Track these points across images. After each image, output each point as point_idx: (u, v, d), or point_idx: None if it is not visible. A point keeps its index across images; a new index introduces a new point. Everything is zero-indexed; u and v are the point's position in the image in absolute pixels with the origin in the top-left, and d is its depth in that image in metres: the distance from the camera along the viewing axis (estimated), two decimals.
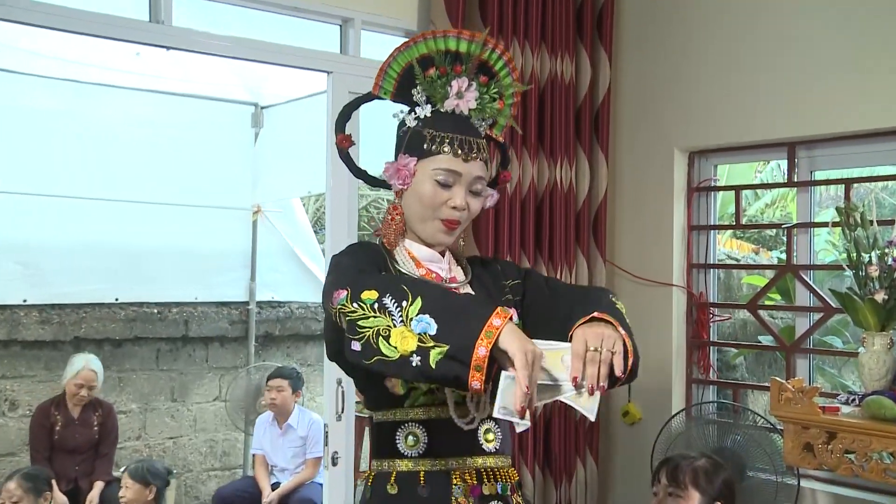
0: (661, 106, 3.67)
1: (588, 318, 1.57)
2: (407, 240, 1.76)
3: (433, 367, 1.38)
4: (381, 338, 1.42)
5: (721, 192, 3.80)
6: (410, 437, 1.65)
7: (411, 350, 1.39)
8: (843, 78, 3.11)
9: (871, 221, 2.79)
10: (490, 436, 1.70)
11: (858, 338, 2.87)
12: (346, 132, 1.81)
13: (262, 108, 5.58)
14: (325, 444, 3.12)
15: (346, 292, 1.48)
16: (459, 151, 1.69)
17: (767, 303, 5.76)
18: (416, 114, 1.73)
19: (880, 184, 7.00)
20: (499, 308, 1.43)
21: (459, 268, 1.80)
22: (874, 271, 2.70)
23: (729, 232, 7.78)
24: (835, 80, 3.13)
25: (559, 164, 3.51)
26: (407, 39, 1.75)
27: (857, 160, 3.28)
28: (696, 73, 3.56)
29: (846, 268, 2.82)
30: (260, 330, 5.86)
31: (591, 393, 1.49)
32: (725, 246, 7.78)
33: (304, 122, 5.19)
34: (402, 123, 1.76)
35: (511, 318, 1.43)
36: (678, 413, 3.43)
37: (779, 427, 3.03)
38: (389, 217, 1.74)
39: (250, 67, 4.51)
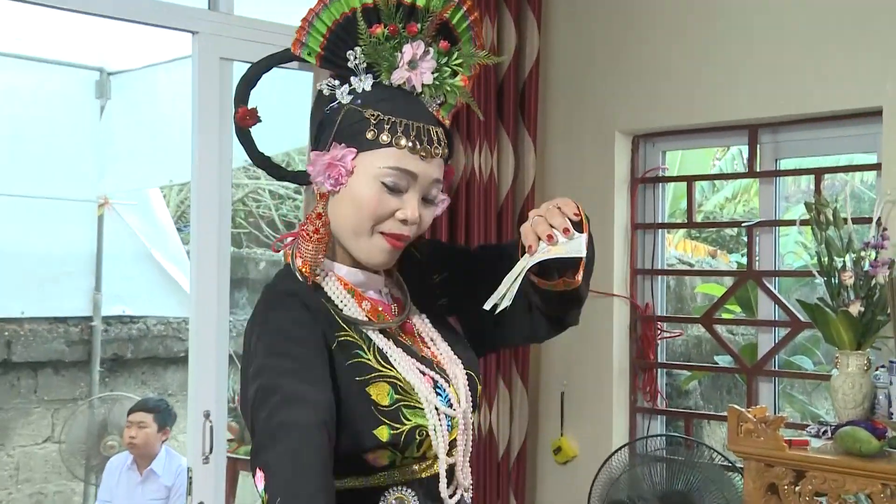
0: (600, 80, 3.72)
1: None
2: (334, 262, 1.63)
3: None
4: None
5: (671, 184, 3.87)
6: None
7: None
8: (814, 51, 3.21)
9: (845, 219, 2.88)
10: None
11: (831, 358, 2.96)
12: (249, 105, 1.65)
13: (110, 74, 5.46)
14: (189, 493, 3.06)
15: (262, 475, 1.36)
16: (417, 145, 1.56)
17: (725, 316, 5.93)
18: (351, 86, 1.59)
19: (857, 175, 7.27)
20: None
21: (395, 286, 1.72)
22: (848, 278, 2.79)
23: (681, 232, 7.95)
24: (805, 52, 3.22)
25: (477, 150, 3.52)
26: None
27: (830, 146, 3.38)
28: (642, 42, 3.62)
29: (816, 274, 2.91)
30: (107, 352, 5.74)
31: (566, 235, 1.55)
32: (677, 248, 7.96)
33: (163, 94, 5.10)
34: (331, 99, 1.60)
35: None
36: (620, 449, 3.48)
37: (738, 465, 3.09)
38: (311, 229, 1.58)
39: (93, 23, 4.39)
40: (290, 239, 1.65)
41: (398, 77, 1.58)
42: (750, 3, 3.36)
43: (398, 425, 1.53)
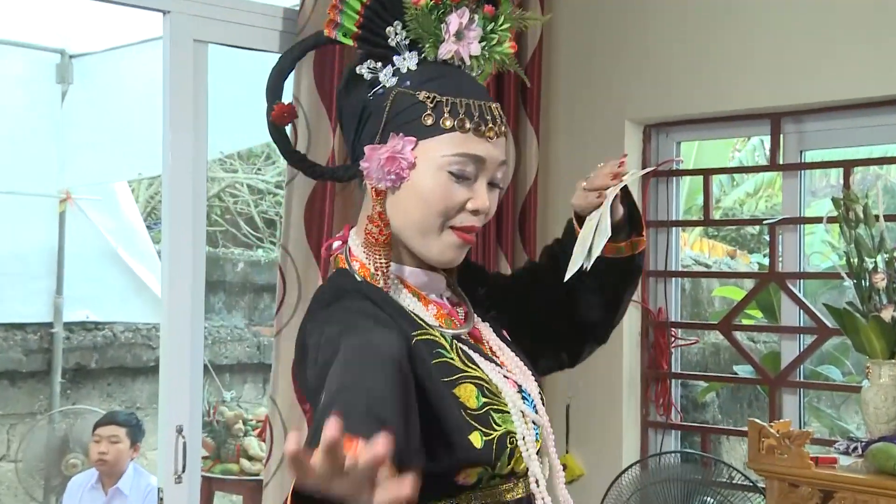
0: (609, 64, 3.73)
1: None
2: (394, 264, 1.61)
3: None
4: None
5: (686, 178, 3.88)
6: None
7: None
8: (843, 32, 3.21)
9: (877, 216, 2.89)
10: None
11: (862, 368, 2.97)
12: (284, 100, 1.65)
13: (72, 57, 5.45)
14: None
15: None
16: (482, 126, 1.54)
17: (745, 322, 5.94)
18: (394, 66, 1.57)
19: (891, 168, 7.28)
20: None
21: (454, 290, 1.72)
22: (880, 281, 2.80)
23: (697, 230, 7.96)
24: (833, 34, 3.23)
25: None
26: None
27: (860, 136, 3.39)
28: (655, 22, 3.63)
29: (845, 276, 2.91)
30: (69, 361, 5.73)
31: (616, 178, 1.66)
32: (693, 248, 7.97)
33: (131, 79, 5.09)
34: (373, 83, 1.58)
35: None
36: (630, 467, 3.49)
37: (760, 485, 3.10)
38: (376, 231, 1.55)
39: (54, 2, 4.41)
40: (337, 244, 1.66)
41: (445, 51, 1.56)
42: None
43: (489, 431, 1.52)
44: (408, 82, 1.56)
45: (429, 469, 1.41)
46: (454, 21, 1.56)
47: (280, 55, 1.68)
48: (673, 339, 3.74)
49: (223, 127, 4.45)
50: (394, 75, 1.57)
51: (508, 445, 1.54)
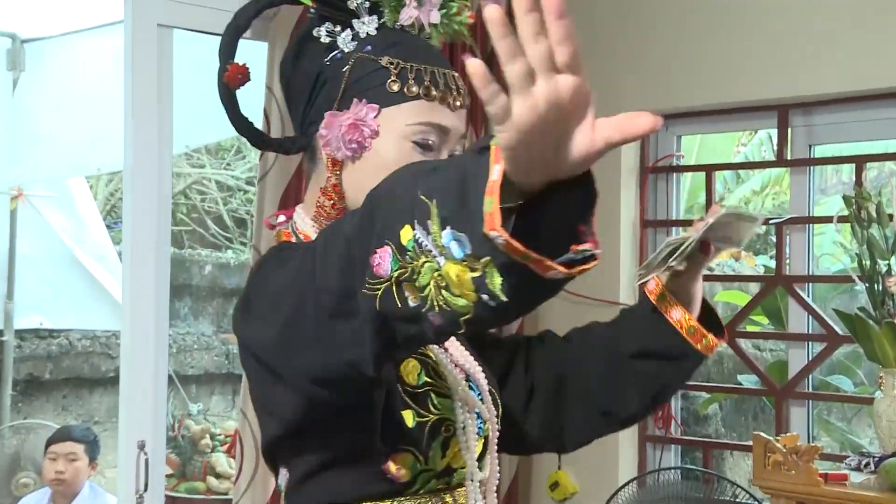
0: (603, 52, 3.73)
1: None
2: None
3: (507, 295, 1.13)
4: (443, 292, 1.16)
5: (687, 175, 3.90)
6: None
7: (473, 289, 1.14)
8: (854, 19, 3.23)
9: (891, 215, 2.91)
10: None
11: (875, 378, 2.99)
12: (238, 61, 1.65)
13: (24, 42, 5.43)
14: None
15: (388, 249, 1.18)
16: (447, 94, 1.56)
17: (750, 329, 5.97)
18: (353, 30, 1.58)
19: None
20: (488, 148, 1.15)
21: None
22: (894, 284, 2.81)
23: None
24: (843, 21, 3.25)
25: None
26: None
27: (873, 130, 3.41)
28: (653, 7, 3.64)
29: (857, 280, 2.93)
30: (20, 372, 5.72)
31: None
32: None
33: (89, 66, 5.07)
34: (330, 48, 1.59)
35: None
36: (627, 484, 3.49)
37: (765, 503, 3.11)
38: (329, 204, 1.56)
39: None
40: (282, 218, 1.65)
41: (406, 16, 1.58)
42: None
43: (425, 413, 1.53)
44: (368, 47, 1.57)
45: (358, 447, 1.47)
46: None
47: (236, 13, 1.69)
48: None
49: (190, 119, 4.44)
50: (353, 40, 1.58)
51: (443, 433, 1.54)
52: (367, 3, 1.58)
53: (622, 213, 3.71)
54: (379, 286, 1.21)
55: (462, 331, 1.21)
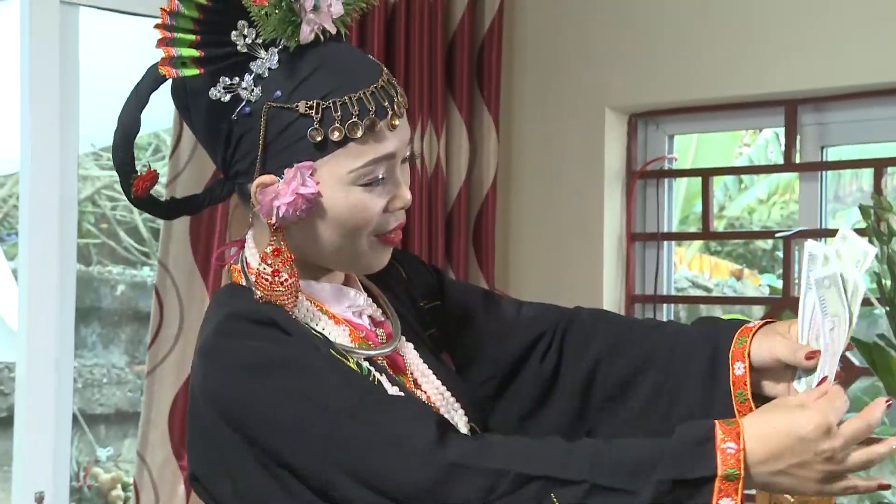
0: (586, 40, 3.76)
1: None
2: (311, 282, 1.70)
3: None
4: None
5: (682, 180, 3.92)
6: None
7: None
8: (872, 4, 3.26)
9: None
10: None
11: None
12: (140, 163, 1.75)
13: None
14: None
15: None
16: (378, 119, 1.59)
17: None
18: (253, 73, 1.59)
19: None
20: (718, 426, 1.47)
21: (367, 296, 1.78)
22: None
23: (696, 245, 8.03)
24: (863, 4, 3.28)
25: (418, 131, 3.54)
26: None
27: (892, 130, 3.44)
28: None
29: (876, 303, 2.96)
30: None
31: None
32: (690, 267, 8.03)
33: None
34: (234, 102, 1.59)
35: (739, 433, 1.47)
36: None
37: None
38: (280, 277, 1.61)
39: None
40: (234, 250, 1.72)
41: (308, 32, 1.58)
42: None
43: None
44: (278, 92, 1.58)
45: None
46: None
47: (120, 110, 1.72)
48: None
49: (99, 112, 4.43)
50: (255, 84, 1.59)
51: None
52: (258, 39, 1.58)
53: (605, 224, 3.73)
54: None
55: None
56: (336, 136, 1.56)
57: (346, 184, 1.59)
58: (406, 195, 1.65)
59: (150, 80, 1.69)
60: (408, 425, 1.49)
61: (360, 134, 1.57)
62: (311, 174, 1.57)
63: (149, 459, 3.14)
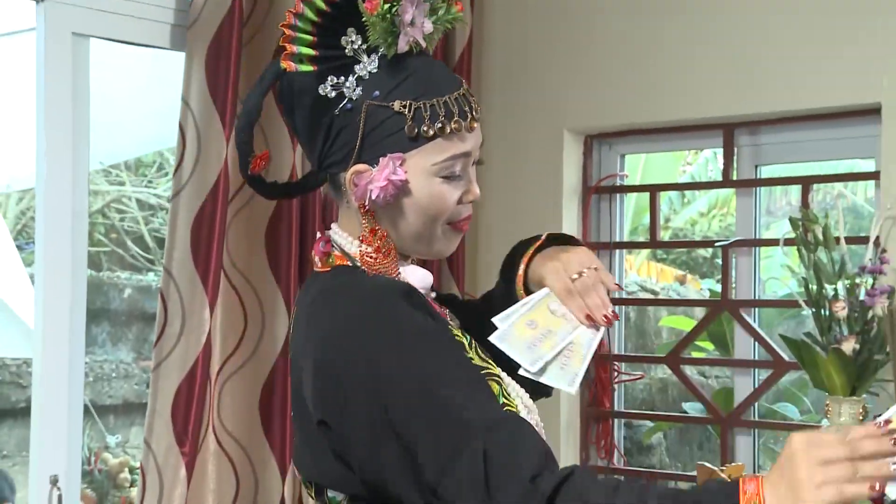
0: (545, 68, 3.76)
1: (531, 251, 1.87)
2: (402, 267, 1.78)
3: None
4: None
5: (632, 195, 3.93)
6: None
7: None
8: (801, 37, 3.27)
9: (838, 239, 2.95)
10: None
11: (821, 406, 3.02)
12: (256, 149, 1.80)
13: None
14: None
15: None
16: (462, 122, 1.69)
17: (696, 355, 6.00)
18: (355, 74, 1.68)
19: (856, 185, 7.43)
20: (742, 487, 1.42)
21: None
22: (841, 310, 2.85)
23: (644, 253, 8.05)
24: (790, 39, 3.29)
25: None
26: None
27: (821, 151, 3.45)
28: (597, 23, 3.66)
29: (804, 305, 2.97)
30: None
31: (610, 324, 1.79)
32: (639, 272, 8.05)
33: None
34: (337, 99, 1.68)
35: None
36: None
37: None
38: (373, 249, 1.71)
39: None
40: (324, 243, 1.79)
41: (404, 43, 1.67)
42: None
43: None
44: (377, 92, 1.67)
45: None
46: (409, 9, 1.66)
47: (245, 97, 1.80)
48: (616, 373, 3.76)
49: (108, 133, 4.41)
50: (357, 85, 1.68)
51: None
52: (364, 45, 1.68)
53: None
54: None
55: None
56: (429, 133, 1.66)
57: (430, 175, 1.68)
58: (476, 190, 1.74)
59: (273, 74, 1.74)
60: (526, 454, 1.49)
61: (447, 132, 1.66)
62: (400, 164, 1.66)
63: (154, 446, 3.12)
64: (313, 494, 1.74)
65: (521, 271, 1.86)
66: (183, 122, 3.16)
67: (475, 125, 1.71)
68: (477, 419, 1.50)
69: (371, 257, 1.71)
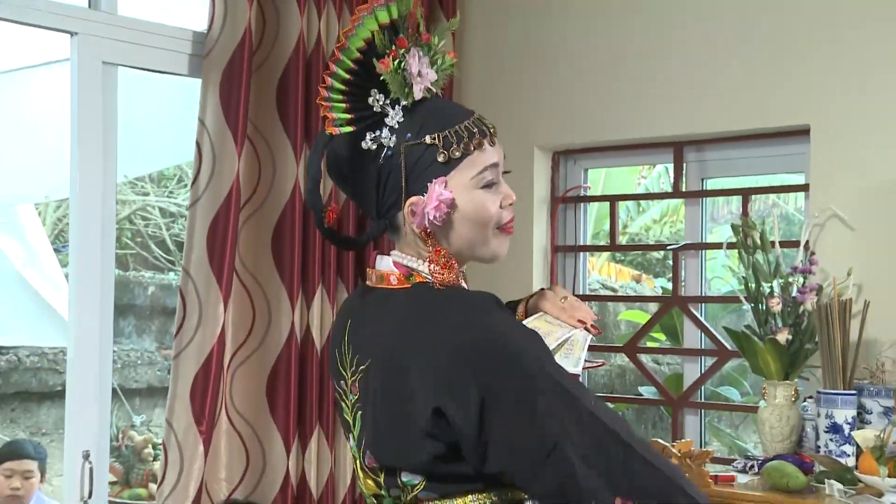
0: (518, 93, 3.77)
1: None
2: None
3: None
4: None
5: (594, 204, 3.94)
6: None
7: None
8: (740, 66, 3.29)
9: (773, 243, 2.96)
10: None
11: (759, 389, 3.03)
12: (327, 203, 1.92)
13: None
14: None
15: None
16: (483, 139, 1.76)
17: (650, 345, 6.02)
18: (387, 126, 1.74)
19: (788, 196, 7.46)
20: None
21: None
22: (776, 305, 2.87)
23: (605, 255, 8.07)
24: (730, 68, 3.31)
25: None
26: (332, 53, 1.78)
27: (758, 166, 3.48)
28: (562, 53, 3.67)
29: (744, 301, 2.98)
30: None
31: (598, 331, 1.83)
32: (600, 272, 8.06)
33: (38, 100, 5.01)
34: (378, 150, 1.74)
35: None
36: None
37: None
38: (441, 263, 1.75)
39: None
40: (394, 269, 1.80)
41: (419, 91, 1.76)
42: (675, 18, 3.44)
43: None
44: (408, 135, 1.72)
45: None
46: (413, 64, 1.75)
47: (307, 165, 1.95)
48: None
49: (134, 149, 4.40)
50: (391, 133, 1.73)
51: None
52: (387, 101, 1.74)
53: (534, 239, 3.74)
54: None
55: None
56: (457, 154, 1.72)
57: (471, 188, 1.73)
58: (512, 193, 1.79)
59: (323, 139, 1.78)
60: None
61: (472, 149, 1.73)
62: (444, 186, 1.71)
63: (174, 425, 3.11)
64: (382, 479, 1.74)
65: (521, 308, 1.92)
66: (199, 139, 3.16)
67: (495, 140, 1.78)
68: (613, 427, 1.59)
69: (440, 274, 1.74)
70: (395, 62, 1.72)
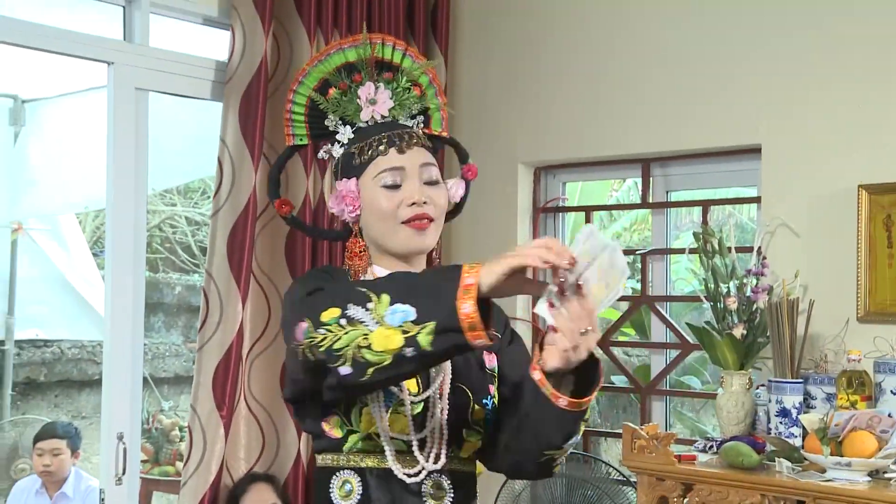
0: (504, 114, 3.77)
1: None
2: (374, 266, 1.82)
3: (429, 348, 1.45)
4: (363, 349, 1.48)
5: (572, 214, 3.94)
6: (346, 486, 1.72)
7: (400, 345, 1.46)
8: (699, 91, 3.30)
9: (730, 248, 2.97)
10: (440, 492, 1.75)
11: (718, 378, 3.03)
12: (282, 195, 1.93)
13: (24, 102, 5.34)
14: None
15: (306, 323, 1.53)
16: (391, 145, 1.78)
17: (621, 339, 6.01)
18: (339, 141, 1.84)
19: (742, 207, 7.47)
20: (464, 265, 1.50)
21: None
22: (732, 303, 2.87)
23: None
24: (691, 92, 3.32)
25: None
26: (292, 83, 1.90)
27: (716, 180, 3.49)
28: (543, 78, 3.68)
29: (704, 300, 2.98)
30: (19, 375, 5.59)
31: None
32: None
33: (78, 122, 5.00)
34: (330, 160, 1.86)
35: (480, 267, 1.49)
36: None
37: (632, 479, 3.15)
38: (350, 253, 1.81)
39: (7, 51, 4.32)
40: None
41: (366, 115, 1.83)
42: (644, 48, 3.45)
43: None
44: (348, 145, 1.83)
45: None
46: (363, 94, 1.84)
47: (270, 170, 1.99)
48: None
49: (163, 165, 4.39)
50: (340, 147, 1.84)
51: (359, 403, 1.75)
52: (339, 120, 1.85)
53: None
54: (302, 345, 1.54)
55: (365, 378, 1.49)
56: (365, 157, 1.78)
57: (373, 187, 1.76)
58: (412, 193, 1.75)
59: (288, 152, 1.93)
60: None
61: (377, 154, 1.77)
62: (354, 184, 1.78)
63: (198, 410, 3.11)
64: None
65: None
66: (221, 156, 3.16)
67: (405, 147, 1.78)
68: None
69: (351, 261, 1.81)
70: (339, 93, 1.84)
